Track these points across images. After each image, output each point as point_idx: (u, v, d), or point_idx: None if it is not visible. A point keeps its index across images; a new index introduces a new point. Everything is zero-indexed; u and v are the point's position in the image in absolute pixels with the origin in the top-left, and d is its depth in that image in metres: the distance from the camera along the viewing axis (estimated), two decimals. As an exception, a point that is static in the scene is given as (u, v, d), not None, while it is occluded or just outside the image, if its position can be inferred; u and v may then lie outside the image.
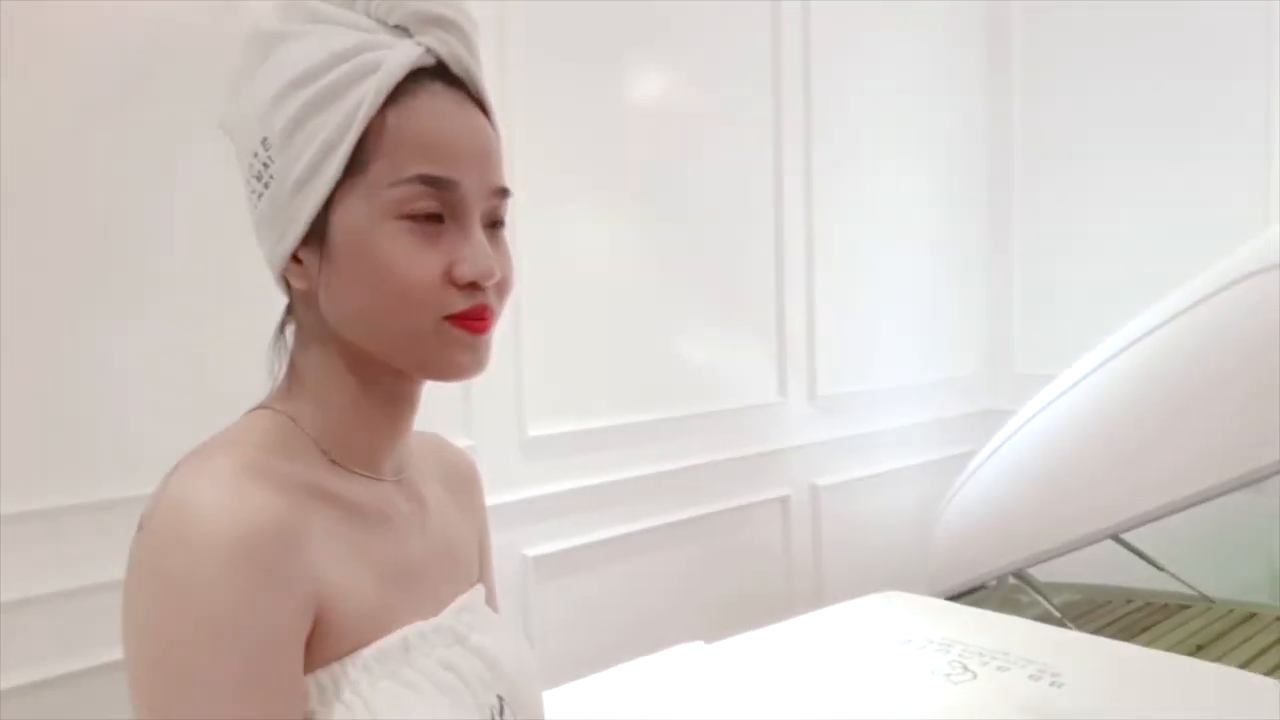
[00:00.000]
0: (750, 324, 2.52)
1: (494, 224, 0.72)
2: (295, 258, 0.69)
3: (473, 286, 0.68)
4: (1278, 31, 2.60)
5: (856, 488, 2.76)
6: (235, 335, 1.39)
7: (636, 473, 2.26)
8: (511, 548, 2.05)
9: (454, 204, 0.68)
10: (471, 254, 0.68)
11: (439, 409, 1.93)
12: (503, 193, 0.71)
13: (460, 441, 1.95)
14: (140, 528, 0.62)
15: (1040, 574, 2.64)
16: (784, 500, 2.58)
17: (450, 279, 0.67)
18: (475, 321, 0.69)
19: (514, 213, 1.98)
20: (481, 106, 0.71)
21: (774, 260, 2.55)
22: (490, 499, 2.00)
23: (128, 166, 1.50)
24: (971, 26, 3.11)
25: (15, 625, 1.39)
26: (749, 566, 2.49)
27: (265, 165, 0.68)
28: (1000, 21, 3.14)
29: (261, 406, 0.73)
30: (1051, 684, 1.52)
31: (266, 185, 0.68)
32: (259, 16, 0.70)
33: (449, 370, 0.70)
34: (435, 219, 0.67)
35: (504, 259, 0.71)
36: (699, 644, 1.74)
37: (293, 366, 0.74)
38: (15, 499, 1.40)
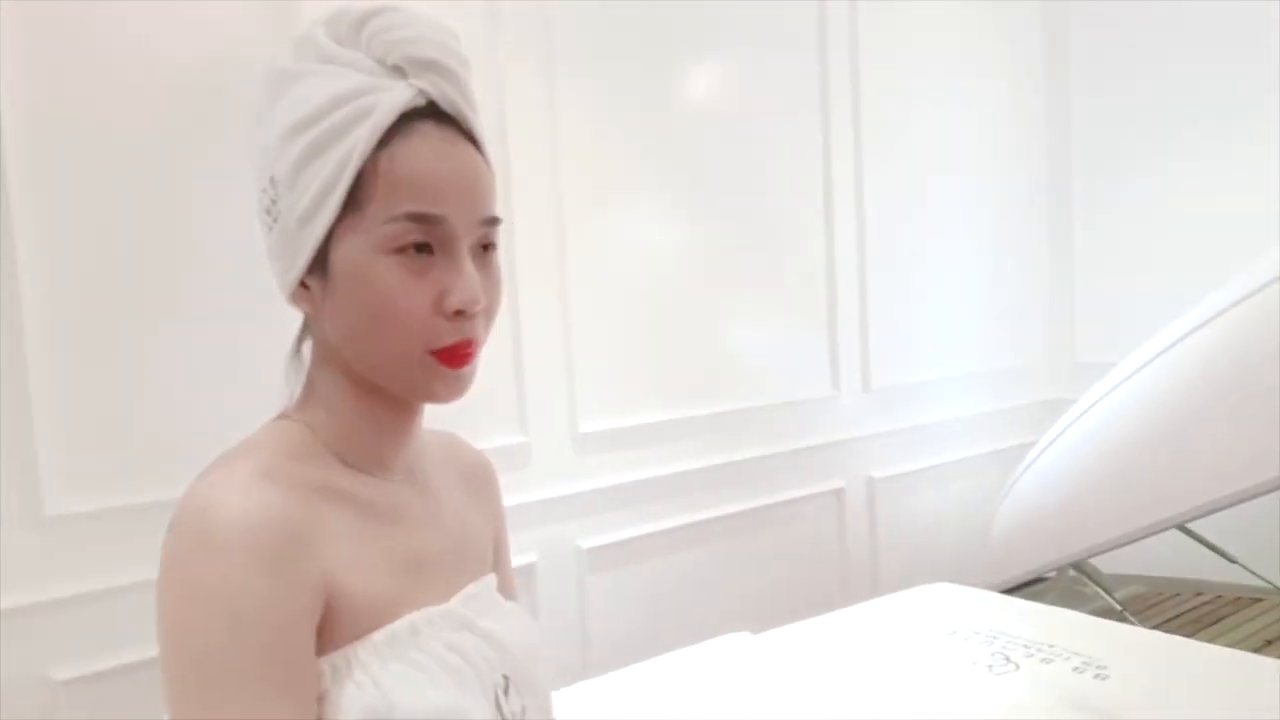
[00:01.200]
0: (803, 317, 2.54)
1: (485, 248, 0.77)
2: (303, 284, 0.76)
3: (459, 315, 0.73)
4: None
5: (912, 480, 2.76)
6: (272, 345, 1.48)
7: (688, 466, 2.30)
8: (565, 540, 2.11)
9: (442, 237, 0.73)
10: (459, 284, 0.73)
11: (494, 408, 2.01)
12: (492, 221, 0.76)
13: (514, 439, 2.03)
14: (170, 529, 0.70)
15: (1104, 566, 2.61)
16: (838, 493, 2.59)
17: (439, 309, 0.73)
18: (458, 358, 0.75)
19: (564, 212, 2.05)
20: (473, 141, 0.76)
21: (825, 253, 2.56)
22: (544, 493, 2.08)
23: (179, 190, 1.60)
24: (1027, 23, 3.07)
25: (70, 619, 1.51)
26: (802, 560, 2.51)
27: (274, 201, 0.75)
28: (1058, 17, 3.09)
29: (281, 416, 0.80)
30: (1096, 676, 1.51)
31: (275, 219, 0.75)
32: (275, 56, 0.77)
33: (429, 398, 0.77)
34: (425, 250, 0.73)
35: (492, 284, 0.77)
36: (745, 634, 1.77)
37: (309, 379, 0.81)
38: (76, 499, 1.52)
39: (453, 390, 0.77)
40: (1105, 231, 3.08)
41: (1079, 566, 2.50)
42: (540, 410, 2.07)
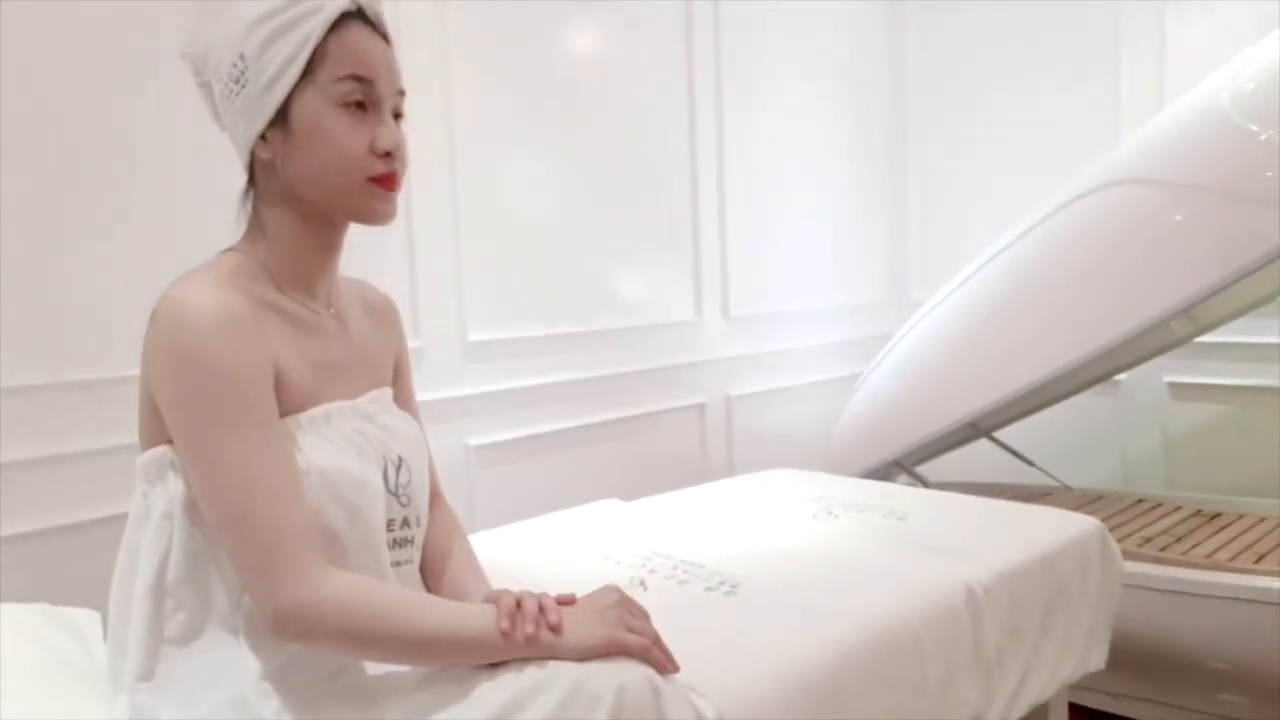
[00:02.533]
0: (669, 249, 2.83)
1: (397, 116, 1.06)
2: (263, 137, 1.01)
3: (387, 156, 1.01)
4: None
5: (765, 398, 3.10)
6: (196, 242, 1.69)
7: (566, 378, 2.57)
8: (455, 437, 2.35)
9: (373, 97, 1.01)
10: (385, 132, 1.02)
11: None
12: (402, 93, 1.06)
13: (410, 343, 2.25)
14: (153, 320, 0.96)
15: (932, 475, 3.00)
16: (700, 407, 2.91)
17: (372, 150, 1.01)
18: (389, 182, 1.03)
19: (456, 148, 2.27)
20: (385, 39, 1.05)
21: (690, 193, 2.86)
22: (435, 394, 2.32)
23: (115, 101, 1.77)
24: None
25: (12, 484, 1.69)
26: (667, 464, 2.82)
27: (242, 72, 1.00)
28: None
29: (229, 249, 1.06)
30: (899, 520, 1.86)
31: (243, 86, 1.00)
32: None
33: (371, 215, 1.05)
34: (360, 106, 1.00)
35: (404, 141, 1.05)
36: (615, 500, 2.06)
37: (254, 220, 1.07)
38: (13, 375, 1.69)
39: (388, 207, 1.04)
40: (936, 180, 3.49)
41: (907, 469, 2.88)
42: (432, 318, 2.30)
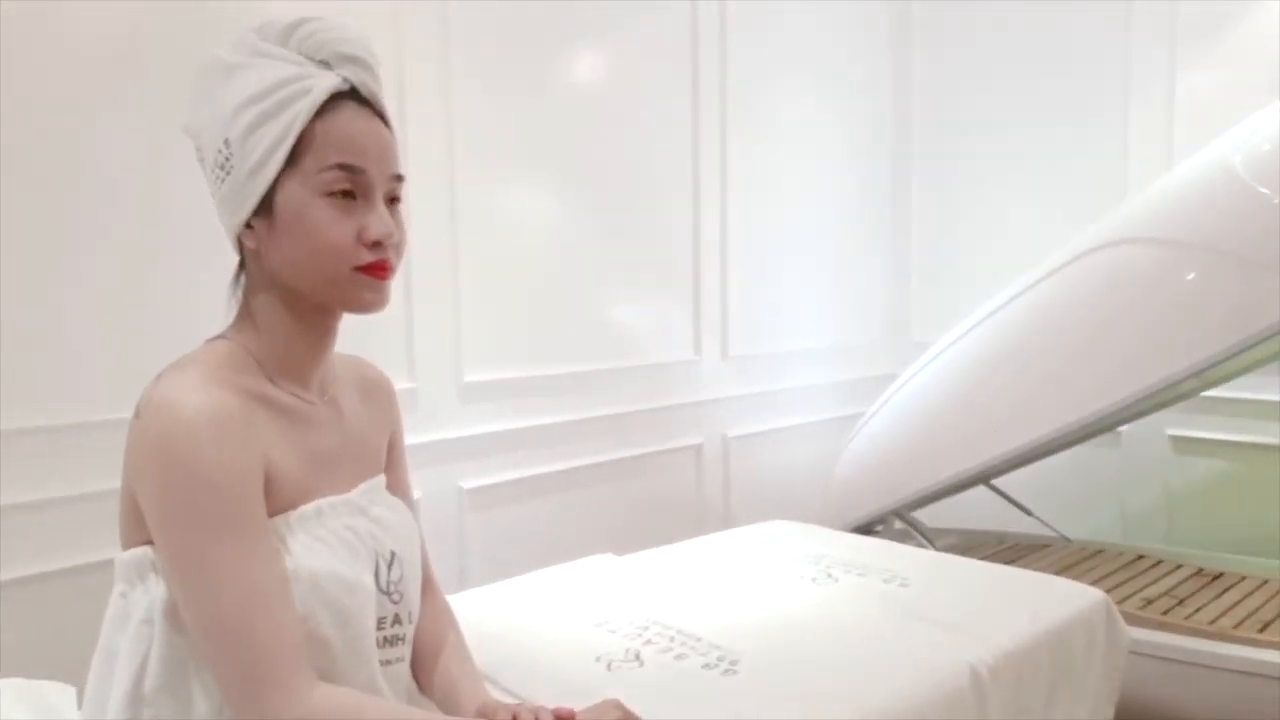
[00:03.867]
0: (669, 287, 2.80)
1: (393, 201, 1.00)
2: (249, 225, 0.96)
3: (376, 245, 0.96)
4: (1134, 30, 2.94)
5: (763, 439, 3.06)
6: (168, 290, 1.66)
7: (562, 418, 2.52)
8: (447, 479, 2.30)
9: (363, 185, 0.95)
10: (375, 221, 0.95)
11: (384, 354, 2.17)
12: (399, 178, 0.99)
13: (403, 384, 2.21)
14: (137, 417, 0.91)
15: (928, 521, 2.96)
16: (697, 448, 2.87)
17: (361, 240, 0.95)
18: (379, 270, 0.97)
19: (455, 182, 2.24)
20: (382, 118, 0.99)
21: (692, 231, 2.82)
22: (429, 436, 2.27)
23: (110, 148, 1.72)
24: (879, 23, 3.41)
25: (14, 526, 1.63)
26: (663, 507, 2.77)
27: (228, 158, 0.95)
28: (903, 20, 3.45)
29: (219, 336, 1.01)
30: (900, 585, 1.82)
31: (229, 172, 0.96)
32: (217, 49, 0.98)
33: (360, 305, 0.99)
34: (349, 196, 0.95)
35: (400, 227, 1.00)
36: (609, 555, 2.01)
37: (244, 307, 1.02)
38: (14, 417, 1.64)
39: (378, 297, 0.99)
40: (940, 224, 3.46)
41: (904, 518, 2.84)
42: (428, 360, 2.26)
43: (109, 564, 0.90)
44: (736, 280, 2.94)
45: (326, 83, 0.94)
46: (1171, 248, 2.12)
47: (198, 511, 0.86)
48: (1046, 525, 2.92)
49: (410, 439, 2.28)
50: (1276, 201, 1.98)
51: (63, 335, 1.71)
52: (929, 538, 2.86)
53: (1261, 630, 2.15)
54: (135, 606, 0.92)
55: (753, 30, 2.93)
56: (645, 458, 2.72)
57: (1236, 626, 2.18)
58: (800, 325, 3.20)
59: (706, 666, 1.42)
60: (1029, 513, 2.93)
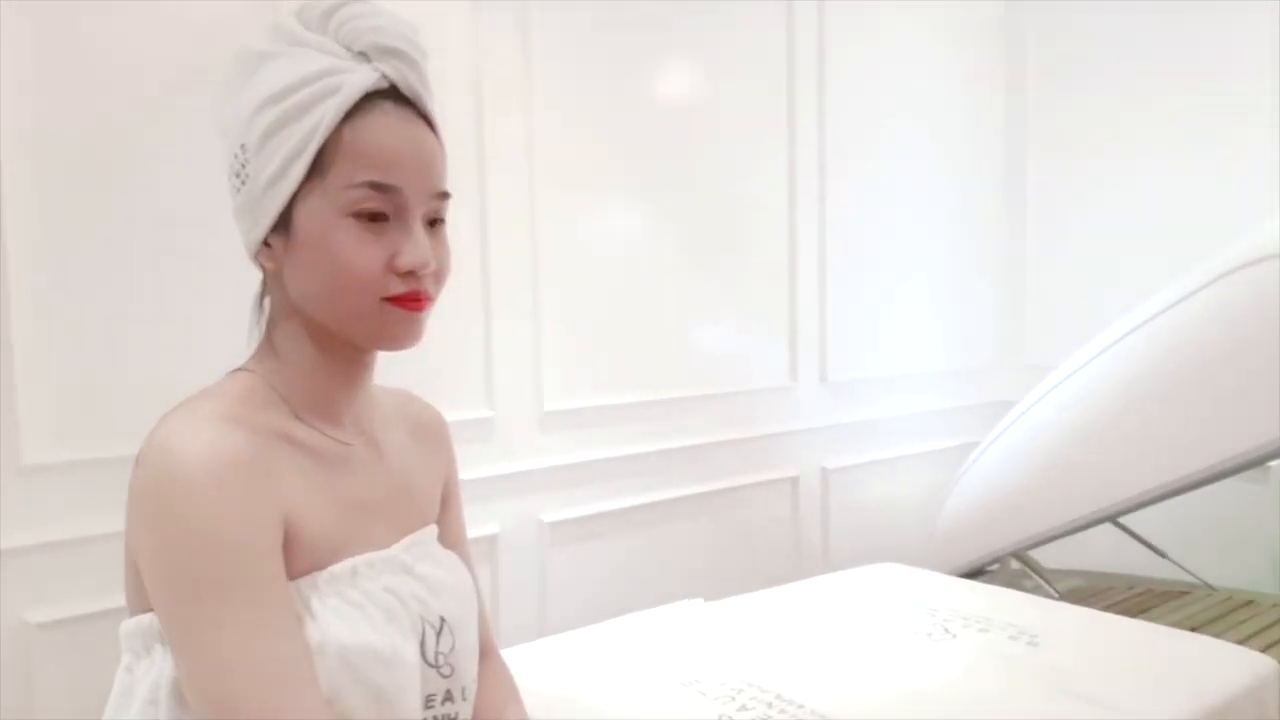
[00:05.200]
0: (764, 309, 2.62)
1: (434, 222, 0.84)
2: (266, 243, 0.82)
3: (410, 274, 0.80)
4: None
5: (864, 471, 2.85)
6: (228, 312, 1.55)
7: (649, 448, 2.37)
8: (528, 513, 2.17)
9: (397, 205, 0.80)
10: (410, 248, 0.80)
11: (460, 382, 2.06)
12: (443, 195, 0.84)
13: (480, 413, 2.09)
14: (137, 464, 0.76)
15: (1046, 560, 2.71)
16: (793, 481, 2.67)
17: (391, 268, 0.80)
18: (411, 302, 0.81)
19: (535, 200, 2.12)
20: (428, 122, 0.84)
21: (788, 248, 2.64)
22: (508, 467, 2.14)
23: (159, 164, 1.65)
24: (987, 25, 3.18)
25: (46, 565, 1.56)
26: (756, 543, 2.59)
27: (243, 165, 0.81)
28: (1016, 21, 3.21)
29: (239, 369, 0.86)
30: (1029, 644, 1.60)
31: (244, 182, 0.81)
32: (248, 37, 0.83)
33: (388, 341, 0.83)
34: (381, 217, 0.79)
35: (442, 251, 0.84)
36: (699, 600, 1.84)
37: (267, 335, 0.87)
38: (55, 450, 1.57)
39: (410, 333, 0.83)
40: (1057, 239, 3.20)
41: (1021, 558, 2.60)
42: (507, 386, 2.13)
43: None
44: (836, 301, 2.74)
45: (360, 80, 0.79)
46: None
47: (197, 576, 0.72)
48: (1184, 570, 2.64)
49: (488, 470, 2.19)
50: None
51: (127, 365, 1.63)
52: (1049, 581, 2.62)
53: None
54: (139, 683, 0.79)
55: (852, 42, 2.75)
56: (737, 490, 2.54)
57: None
58: (905, 348, 2.98)
59: (811, 742, 1.25)
60: (1164, 555, 2.65)
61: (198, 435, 0.75)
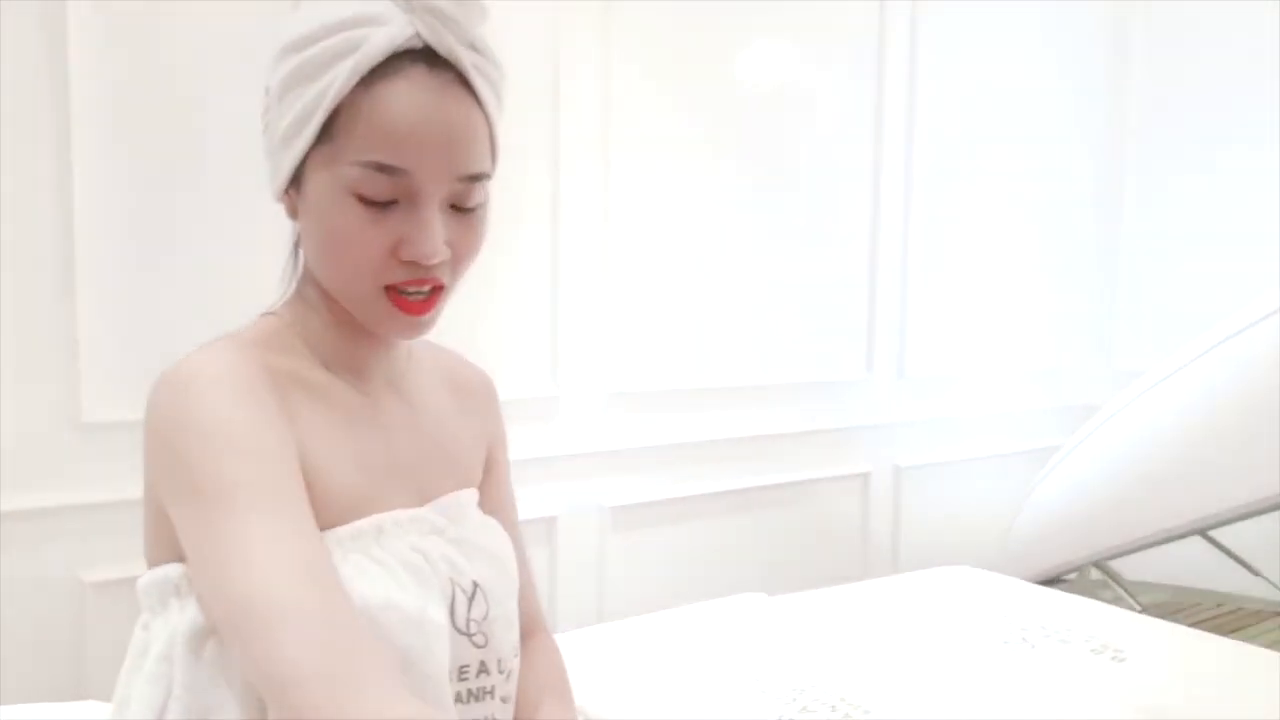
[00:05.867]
0: (843, 299, 2.54)
1: (462, 208, 0.75)
2: (287, 192, 0.76)
3: (414, 264, 0.72)
4: None
5: (939, 471, 2.75)
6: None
7: (717, 435, 2.31)
8: (589, 496, 2.13)
9: (406, 189, 0.71)
10: (418, 236, 0.71)
11: (526, 359, 2.03)
12: (473, 179, 0.74)
13: (545, 391, 2.05)
14: (154, 391, 0.72)
15: (1127, 572, 2.59)
16: (864, 477, 2.59)
17: (394, 255, 0.72)
18: (414, 303, 0.74)
19: (609, 175, 2.07)
20: (470, 88, 0.73)
21: (870, 236, 2.56)
22: (571, 448, 2.10)
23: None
24: (1092, 21, 3.04)
25: (101, 523, 1.56)
26: (822, 540, 2.52)
27: (267, 110, 0.76)
28: (1122, 19, 3.06)
29: (267, 312, 0.81)
30: (1113, 659, 1.51)
31: (267, 126, 0.76)
32: None
33: (385, 334, 0.78)
34: (388, 201, 0.71)
35: (468, 237, 0.75)
36: (760, 595, 1.79)
37: (299, 279, 0.82)
38: (113, 408, 1.58)
39: (410, 333, 0.77)
40: (1152, 240, 3.05)
41: (1102, 568, 2.49)
42: (573, 364, 2.09)
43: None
44: (917, 294, 2.65)
45: (385, 37, 0.69)
46: None
47: (220, 480, 0.67)
48: (1276, 586, 2.50)
49: (551, 450, 2.15)
50: None
51: (190, 325, 1.63)
52: (1132, 594, 2.50)
53: None
54: (154, 640, 0.74)
55: (947, 31, 2.65)
56: (806, 484, 2.47)
57: None
58: (988, 346, 2.86)
59: (876, 751, 1.18)
60: (1255, 572, 2.51)
61: (213, 359, 0.71)
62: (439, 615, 0.75)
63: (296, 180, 0.75)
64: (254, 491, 0.67)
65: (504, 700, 0.83)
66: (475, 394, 0.94)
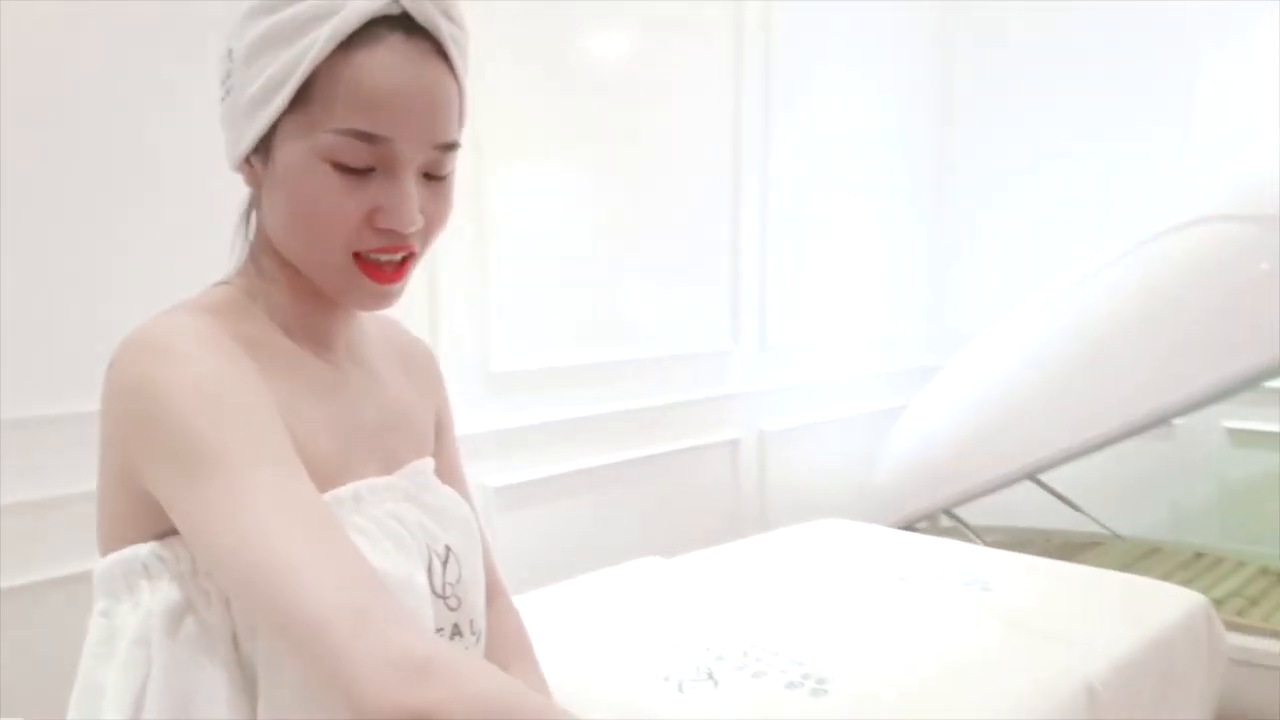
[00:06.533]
0: (707, 274, 2.64)
1: (435, 176, 0.75)
2: (248, 160, 0.75)
3: (391, 232, 0.73)
4: (1185, 23, 2.80)
5: (800, 434, 2.90)
6: (215, 253, 1.48)
7: (594, 411, 2.36)
8: (474, 478, 2.13)
9: (385, 157, 0.71)
10: (395, 204, 0.71)
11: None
12: (448, 147, 0.74)
13: (428, 375, 2.05)
14: (110, 367, 0.69)
15: (972, 517, 2.82)
16: (734, 443, 2.71)
17: (369, 223, 0.72)
18: (385, 270, 0.74)
19: (482, 164, 2.07)
20: (446, 58, 0.73)
21: (731, 217, 2.66)
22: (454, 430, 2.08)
23: (126, 83, 1.56)
24: (922, 19, 3.26)
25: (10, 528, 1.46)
26: (698, 505, 2.62)
27: (228, 74, 0.73)
28: (948, 19, 3.32)
29: (221, 282, 0.79)
30: (982, 589, 1.67)
31: (229, 92, 0.74)
32: None
33: (355, 305, 0.77)
34: (365, 169, 0.71)
35: (439, 205, 0.76)
36: (657, 558, 1.85)
37: (253, 250, 0.80)
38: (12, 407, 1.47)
39: (378, 302, 0.77)
40: (978, 212, 3.32)
41: (950, 514, 2.70)
42: (453, 347, 2.09)
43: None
44: (775, 269, 2.78)
45: (364, 3, 0.68)
46: (1260, 224, 1.98)
47: (218, 439, 0.65)
48: (1096, 522, 2.79)
49: (435, 434, 2.14)
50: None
51: (99, 319, 1.55)
52: (979, 536, 2.72)
53: (1350, 633, 2.02)
54: (123, 626, 0.71)
55: (799, 15, 2.77)
56: (680, 453, 2.56)
57: (1322, 630, 2.05)
58: (839, 315, 3.04)
59: (791, 686, 1.27)
60: (1078, 509, 2.79)
61: (183, 322, 0.69)
62: (421, 581, 0.77)
63: (262, 148, 0.73)
64: (250, 449, 0.65)
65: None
66: (420, 362, 0.95)
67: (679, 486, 2.57)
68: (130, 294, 1.56)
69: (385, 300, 0.77)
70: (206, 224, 1.59)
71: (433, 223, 0.76)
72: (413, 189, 0.73)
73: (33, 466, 1.49)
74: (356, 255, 0.73)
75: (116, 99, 1.55)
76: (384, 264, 0.74)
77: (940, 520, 2.76)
